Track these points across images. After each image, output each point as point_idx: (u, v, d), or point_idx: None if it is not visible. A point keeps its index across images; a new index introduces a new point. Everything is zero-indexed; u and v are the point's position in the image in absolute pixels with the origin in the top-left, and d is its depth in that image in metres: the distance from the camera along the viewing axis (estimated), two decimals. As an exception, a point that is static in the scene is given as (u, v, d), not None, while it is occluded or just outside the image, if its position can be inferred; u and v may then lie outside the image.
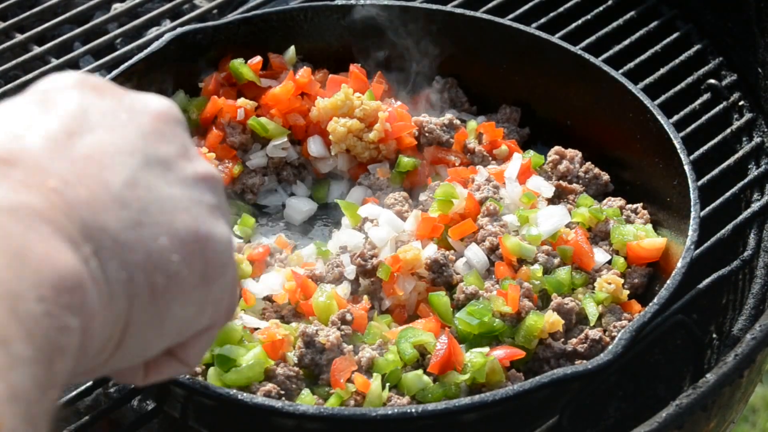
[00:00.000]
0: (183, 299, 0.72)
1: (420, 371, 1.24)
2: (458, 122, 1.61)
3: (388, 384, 1.23)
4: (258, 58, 1.62)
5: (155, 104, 0.77)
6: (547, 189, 1.48)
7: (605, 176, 1.53)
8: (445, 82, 1.68)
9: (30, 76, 1.72)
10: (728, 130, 1.63)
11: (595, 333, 1.29)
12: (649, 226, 1.43)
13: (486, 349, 1.26)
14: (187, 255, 0.72)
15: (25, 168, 0.65)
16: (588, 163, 1.54)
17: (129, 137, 0.72)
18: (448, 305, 1.33)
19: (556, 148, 1.56)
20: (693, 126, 1.61)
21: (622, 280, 1.36)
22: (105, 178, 0.68)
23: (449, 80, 1.68)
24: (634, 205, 1.47)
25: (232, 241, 0.78)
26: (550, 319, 1.29)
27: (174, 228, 0.71)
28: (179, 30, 1.58)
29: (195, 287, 0.73)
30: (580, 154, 1.55)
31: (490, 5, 1.83)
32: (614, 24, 1.79)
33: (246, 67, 1.60)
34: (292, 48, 1.65)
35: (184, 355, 0.79)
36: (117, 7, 1.94)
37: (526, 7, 1.83)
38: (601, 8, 1.82)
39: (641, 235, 1.40)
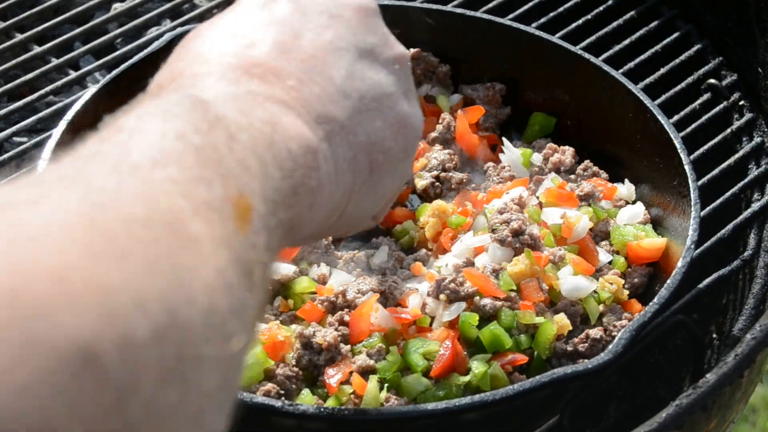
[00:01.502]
0: (392, 171, 0.88)
1: (419, 374, 1.23)
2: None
3: (386, 385, 1.23)
4: None
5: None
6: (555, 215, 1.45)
7: (603, 174, 1.53)
8: (410, 56, 1.65)
9: (30, 76, 1.72)
10: (728, 130, 1.63)
11: (595, 332, 1.29)
12: (649, 226, 1.43)
13: (488, 356, 1.25)
14: (395, 133, 0.87)
15: (268, 69, 0.77)
16: (587, 161, 1.54)
17: (341, 33, 0.85)
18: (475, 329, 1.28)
19: (550, 144, 1.57)
20: (693, 126, 1.61)
21: (623, 281, 1.36)
22: (330, 73, 0.81)
23: (414, 51, 1.66)
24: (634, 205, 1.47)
25: (422, 120, 0.93)
26: (560, 322, 1.29)
27: (383, 111, 0.85)
28: (179, 30, 1.58)
29: (400, 160, 0.89)
30: (572, 150, 1.55)
31: (490, 5, 1.83)
32: (614, 24, 1.79)
33: None
34: None
35: (379, 215, 0.96)
36: (117, 7, 1.94)
37: (526, 7, 1.83)
38: (601, 8, 1.82)
39: (641, 235, 1.40)
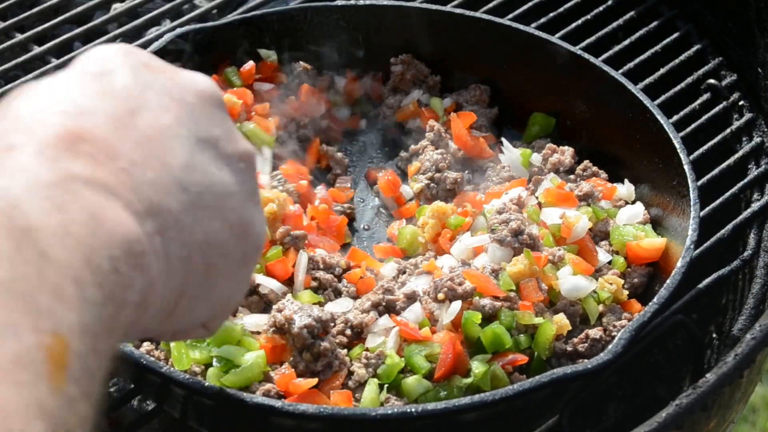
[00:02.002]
0: (229, 277, 0.79)
1: (419, 375, 1.23)
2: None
3: (386, 386, 1.23)
4: (251, 64, 1.62)
5: (203, 84, 0.80)
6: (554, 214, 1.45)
7: (603, 174, 1.53)
8: (402, 61, 1.67)
9: (30, 76, 1.72)
10: (728, 130, 1.63)
11: (595, 332, 1.29)
12: (649, 226, 1.43)
13: (489, 356, 1.26)
14: (236, 238, 0.78)
15: (96, 145, 0.67)
16: (586, 161, 1.54)
17: (183, 119, 0.75)
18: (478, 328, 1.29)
19: (549, 144, 1.57)
20: (693, 126, 1.61)
21: (622, 281, 1.36)
22: (167, 160, 0.72)
23: (405, 57, 1.66)
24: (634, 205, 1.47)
25: (265, 228, 0.85)
26: (560, 322, 1.29)
27: (225, 212, 0.77)
28: (179, 30, 1.58)
29: (240, 266, 0.80)
30: (572, 150, 1.55)
31: (490, 5, 1.83)
32: (614, 24, 1.79)
33: (237, 77, 1.60)
34: (273, 52, 1.65)
35: (210, 325, 0.88)
36: (117, 7, 1.94)
37: (526, 7, 1.83)
38: (601, 8, 1.82)
39: (641, 235, 1.40)
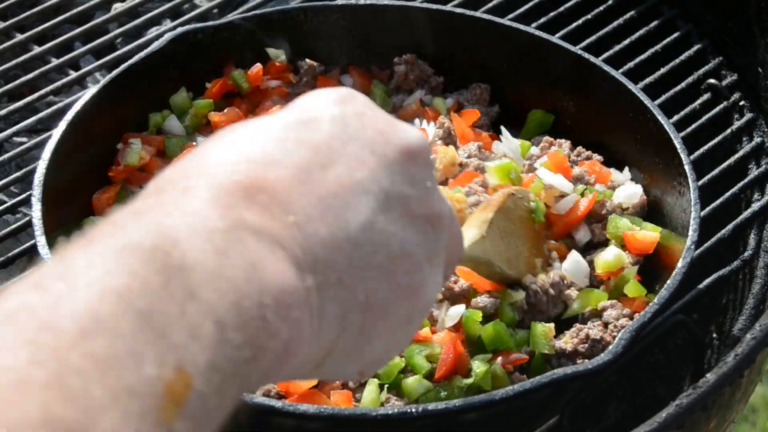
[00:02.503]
0: (387, 338, 0.74)
1: (420, 376, 1.23)
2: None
3: (386, 386, 1.23)
4: (258, 66, 1.62)
5: (412, 139, 0.74)
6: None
7: (597, 156, 1.54)
8: (405, 61, 1.67)
9: (30, 76, 1.72)
10: (728, 130, 1.63)
11: (595, 332, 1.29)
12: (648, 224, 1.43)
13: (489, 355, 1.26)
14: (401, 299, 0.73)
15: (274, 197, 0.66)
16: (579, 147, 1.55)
17: (377, 174, 0.71)
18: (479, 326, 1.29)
19: (546, 137, 1.57)
20: (693, 126, 1.61)
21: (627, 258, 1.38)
22: (346, 217, 0.68)
23: (408, 57, 1.67)
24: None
25: (440, 290, 0.80)
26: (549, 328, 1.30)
27: (395, 274, 0.71)
28: (179, 30, 1.58)
29: (401, 327, 0.75)
30: (569, 142, 1.56)
31: (490, 5, 1.83)
32: (614, 24, 1.79)
33: (245, 81, 1.60)
34: (281, 51, 1.65)
35: (362, 375, 0.81)
36: (117, 7, 1.94)
37: (526, 7, 1.83)
38: (601, 8, 1.82)
39: (636, 228, 1.40)
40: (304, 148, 0.69)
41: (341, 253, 0.68)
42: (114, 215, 0.62)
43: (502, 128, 1.58)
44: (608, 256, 1.37)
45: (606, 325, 1.32)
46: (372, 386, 1.21)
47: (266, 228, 0.64)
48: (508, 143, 1.55)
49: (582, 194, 1.45)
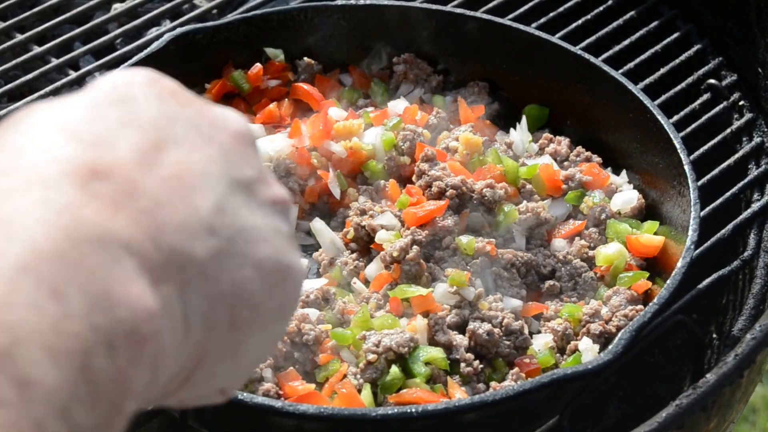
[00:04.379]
0: (261, 333, 0.68)
1: (420, 379, 1.23)
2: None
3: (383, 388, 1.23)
4: (258, 67, 1.62)
5: (235, 122, 0.70)
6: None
7: (596, 158, 1.53)
8: (404, 60, 1.67)
9: (30, 76, 1.72)
10: (728, 130, 1.63)
11: (596, 327, 1.29)
12: (647, 222, 1.43)
13: None
14: (269, 286, 0.68)
15: (117, 182, 0.59)
16: (579, 147, 1.55)
17: (214, 156, 0.66)
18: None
19: (546, 134, 1.57)
20: (693, 126, 1.61)
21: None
22: (195, 201, 0.63)
23: (407, 56, 1.67)
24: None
25: (305, 274, 0.74)
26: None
27: (258, 258, 0.67)
28: (179, 30, 1.58)
29: (273, 320, 0.69)
30: (568, 140, 1.56)
31: (490, 5, 1.83)
32: (614, 24, 1.78)
33: (245, 81, 1.60)
34: (280, 51, 1.65)
35: (229, 390, 0.74)
36: (117, 7, 1.93)
37: (526, 7, 1.83)
38: (601, 8, 1.82)
39: (636, 233, 1.41)
40: (131, 128, 0.62)
41: (197, 241, 0.62)
42: None
43: (524, 118, 1.59)
44: (609, 251, 1.38)
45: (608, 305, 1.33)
46: (366, 391, 1.21)
47: (110, 229, 0.57)
48: (521, 134, 1.55)
49: (577, 203, 1.47)
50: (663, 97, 1.63)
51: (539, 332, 1.33)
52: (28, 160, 0.57)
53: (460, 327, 1.30)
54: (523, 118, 1.58)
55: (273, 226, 0.69)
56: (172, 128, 0.65)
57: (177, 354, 0.61)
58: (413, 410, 1.09)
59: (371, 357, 1.23)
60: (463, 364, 1.25)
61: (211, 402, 0.74)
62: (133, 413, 0.58)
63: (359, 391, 1.22)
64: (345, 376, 1.23)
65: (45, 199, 0.55)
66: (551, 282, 1.39)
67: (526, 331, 1.29)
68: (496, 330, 1.27)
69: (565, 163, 1.54)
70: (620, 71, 1.57)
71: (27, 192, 0.55)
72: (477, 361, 1.25)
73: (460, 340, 1.27)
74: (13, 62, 1.76)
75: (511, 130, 1.57)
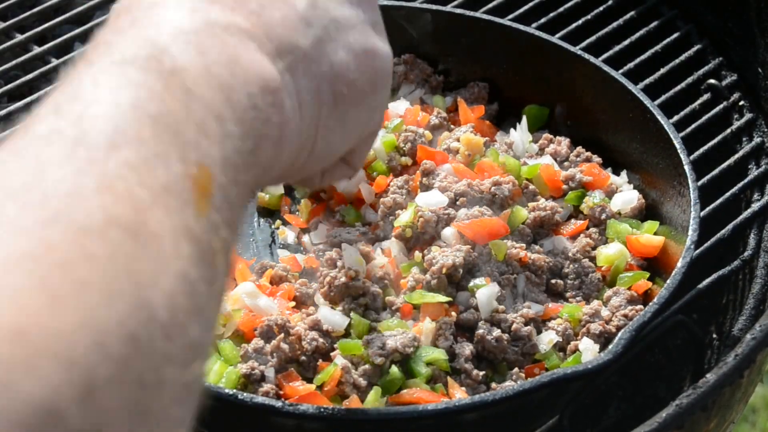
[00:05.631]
0: (359, 105, 0.85)
1: (422, 378, 1.23)
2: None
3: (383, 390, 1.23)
4: None
5: None
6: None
7: (596, 159, 1.53)
8: (404, 61, 1.67)
9: (30, 76, 1.72)
10: (728, 130, 1.63)
11: (596, 326, 1.29)
12: (647, 222, 1.43)
13: None
14: (360, 66, 0.84)
15: None
16: (579, 147, 1.55)
17: None
18: None
19: (545, 134, 1.57)
20: (693, 126, 1.61)
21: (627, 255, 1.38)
22: (291, 1, 0.78)
23: (407, 57, 1.67)
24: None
25: (391, 55, 0.91)
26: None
27: (348, 42, 0.83)
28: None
29: (367, 94, 0.86)
30: (568, 140, 1.56)
31: (490, 5, 1.83)
32: (614, 24, 1.79)
33: None
34: None
35: (352, 159, 0.96)
36: (117, 7, 1.94)
37: (526, 7, 1.83)
38: (601, 8, 1.82)
39: (636, 233, 1.40)
40: None
41: (298, 33, 0.77)
42: (99, 37, 0.68)
43: (524, 118, 1.59)
44: (610, 251, 1.38)
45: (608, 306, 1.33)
46: (375, 394, 1.21)
47: (233, 22, 0.71)
48: (521, 134, 1.55)
49: (577, 203, 1.47)
50: (663, 97, 1.63)
51: (541, 331, 1.32)
52: None
53: (470, 328, 1.29)
54: (523, 118, 1.58)
55: (359, 15, 0.86)
56: None
57: (297, 124, 0.76)
58: (413, 410, 1.09)
59: (379, 360, 1.22)
60: (463, 375, 1.24)
61: (343, 176, 0.99)
62: (259, 186, 0.79)
63: (360, 392, 1.22)
64: (342, 377, 1.23)
65: (180, 6, 0.70)
66: (555, 280, 1.38)
67: (534, 337, 1.29)
68: (505, 336, 1.27)
69: (565, 164, 1.54)
70: (620, 71, 1.57)
71: (168, 3, 0.70)
72: (476, 371, 1.24)
73: (461, 349, 1.26)
74: (13, 62, 1.76)
75: (511, 130, 1.57)
